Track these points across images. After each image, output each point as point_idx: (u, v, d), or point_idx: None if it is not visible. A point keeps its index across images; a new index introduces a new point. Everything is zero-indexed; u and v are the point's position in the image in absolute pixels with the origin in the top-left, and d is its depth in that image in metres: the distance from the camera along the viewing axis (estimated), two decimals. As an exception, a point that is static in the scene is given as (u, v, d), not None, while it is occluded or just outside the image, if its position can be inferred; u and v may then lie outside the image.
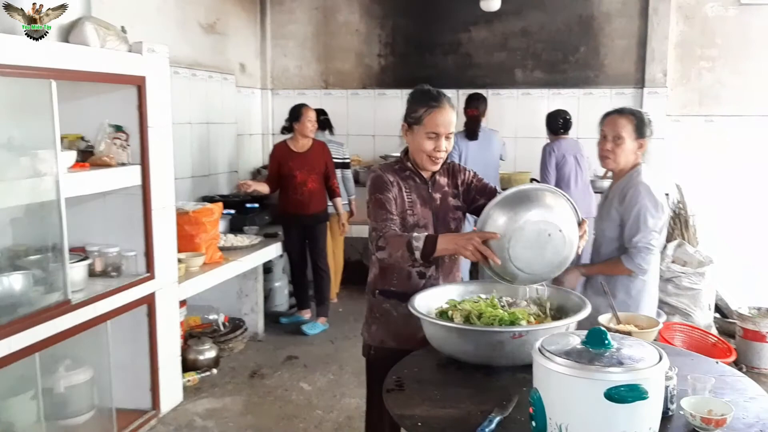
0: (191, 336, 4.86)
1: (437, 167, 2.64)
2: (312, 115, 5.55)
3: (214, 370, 4.70)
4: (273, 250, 5.47)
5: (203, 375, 4.61)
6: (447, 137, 2.59)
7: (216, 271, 4.66)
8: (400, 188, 2.62)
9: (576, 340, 1.72)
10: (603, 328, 1.71)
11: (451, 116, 2.58)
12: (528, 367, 2.06)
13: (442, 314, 2.34)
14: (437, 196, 2.66)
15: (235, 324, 5.28)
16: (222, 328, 5.14)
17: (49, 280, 3.34)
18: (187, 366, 4.56)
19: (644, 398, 1.56)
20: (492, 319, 2.22)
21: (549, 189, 2.42)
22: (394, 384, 2.12)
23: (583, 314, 2.22)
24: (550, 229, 2.29)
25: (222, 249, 4.93)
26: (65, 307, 3.29)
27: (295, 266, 5.80)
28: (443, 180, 2.70)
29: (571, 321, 2.18)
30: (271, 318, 5.84)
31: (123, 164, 3.73)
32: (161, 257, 3.98)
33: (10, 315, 3.04)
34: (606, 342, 1.66)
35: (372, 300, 2.72)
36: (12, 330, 2.98)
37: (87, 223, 3.82)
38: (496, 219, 2.32)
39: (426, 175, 2.66)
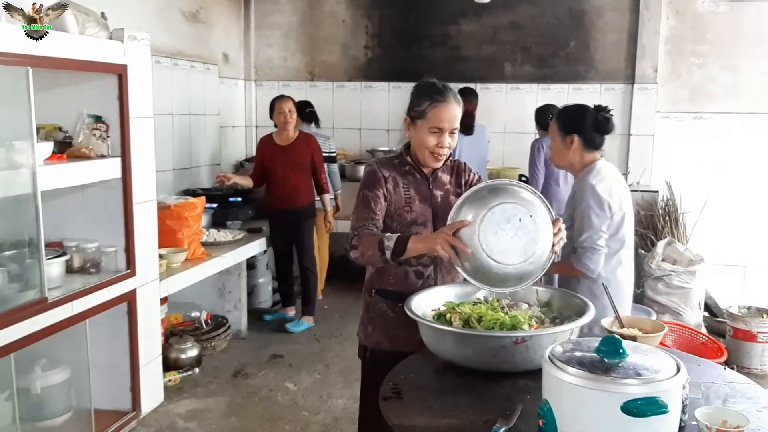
0: (172, 334, 4.72)
1: (439, 164, 2.54)
2: (285, 107, 5.38)
3: (197, 370, 4.56)
4: (257, 246, 5.33)
5: (185, 374, 4.47)
6: (451, 133, 2.48)
7: (198, 267, 4.52)
8: (397, 183, 2.52)
9: (588, 348, 1.63)
10: (617, 336, 1.62)
11: (456, 111, 2.47)
12: (530, 374, 1.98)
13: (440, 317, 2.23)
14: (438, 193, 2.56)
15: (218, 322, 5.14)
16: (204, 326, 5.00)
17: (24, 277, 3.20)
18: (169, 365, 4.42)
19: (664, 412, 1.46)
20: (492, 322, 2.12)
21: (519, 184, 2.30)
22: (391, 391, 2.01)
23: (587, 318, 2.13)
24: (520, 213, 2.17)
25: (204, 244, 4.79)
26: (42, 305, 3.15)
27: (280, 262, 5.67)
28: (445, 177, 2.60)
29: (575, 325, 2.08)
30: (255, 315, 5.69)
31: (103, 156, 3.58)
32: (142, 253, 3.84)
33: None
34: (621, 351, 1.57)
35: (368, 299, 2.63)
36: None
37: (65, 218, 3.67)
38: (466, 212, 2.22)
39: (427, 171, 2.56)
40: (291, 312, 5.73)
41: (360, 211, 2.50)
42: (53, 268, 3.34)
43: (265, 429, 3.89)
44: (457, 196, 2.57)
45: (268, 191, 5.52)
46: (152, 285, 3.98)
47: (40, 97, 3.10)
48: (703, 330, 5.14)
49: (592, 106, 3.12)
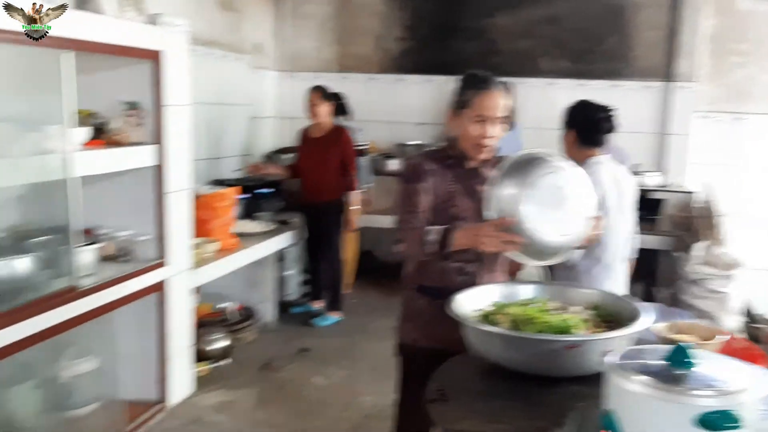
0: (202, 325, 4.67)
1: (485, 155, 2.46)
2: (313, 98, 5.31)
3: (226, 361, 4.51)
4: (287, 238, 5.27)
5: (214, 366, 4.42)
6: (496, 122, 2.41)
7: (230, 258, 4.47)
8: (440, 177, 2.45)
9: (652, 356, 1.54)
10: (686, 343, 1.52)
11: (500, 100, 2.41)
12: (581, 379, 1.89)
13: (486, 317, 2.14)
14: (483, 189, 2.47)
15: (247, 313, 5.08)
16: (234, 317, 4.94)
17: (56, 265, 3.15)
18: (198, 356, 4.36)
19: (739, 427, 1.37)
20: (544, 326, 2.02)
21: (547, 151, 2.28)
22: (437, 393, 1.93)
23: (644, 323, 2.03)
24: (559, 181, 2.19)
25: (235, 235, 4.73)
26: (73, 293, 3.11)
27: (310, 255, 5.61)
28: (490, 173, 2.52)
29: (631, 331, 1.99)
30: (282, 307, 5.64)
31: (137, 143, 3.53)
32: (175, 243, 3.79)
33: (13, 301, 2.85)
34: (690, 360, 1.48)
35: (407, 295, 2.56)
36: (16, 317, 2.80)
37: (98, 205, 3.62)
38: (506, 186, 2.20)
39: (472, 165, 2.47)
40: (318, 305, 5.65)
41: (403, 205, 2.45)
42: (85, 256, 3.29)
43: (295, 424, 3.83)
44: None
45: (300, 183, 5.46)
46: (184, 275, 3.93)
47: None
48: (742, 335, 5.00)
49: (599, 104, 3.17)
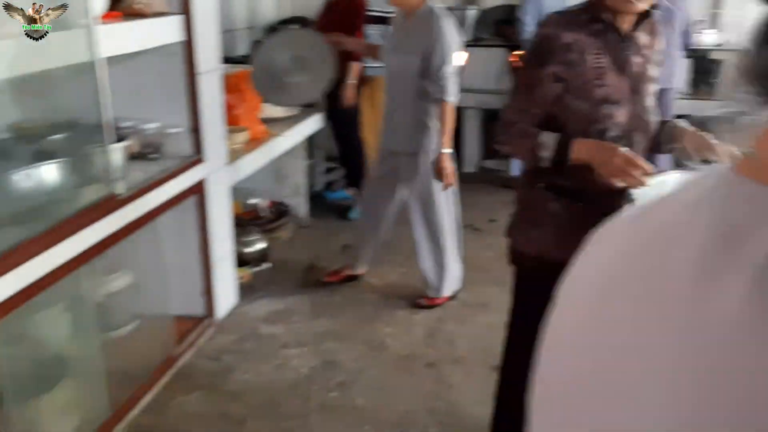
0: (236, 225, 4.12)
1: (638, 6, 1.85)
2: None
3: (266, 265, 4.01)
4: (314, 122, 4.61)
5: (255, 271, 3.93)
6: None
7: (263, 148, 3.87)
8: (584, 50, 1.88)
9: None
10: None
11: None
12: None
13: None
14: (636, 60, 1.94)
15: (280, 209, 4.54)
16: (267, 214, 4.40)
17: (88, 169, 2.57)
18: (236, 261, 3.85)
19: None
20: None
21: None
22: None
23: None
24: None
25: (262, 122, 4.11)
26: (113, 203, 2.55)
27: (337, 138, 4.97)
28: (644, 38, 1.97)
29: None
30: (312, 200, 5.01)
31: (161, 14, 2.87)
32: (210, 134, 3.20)
33: (45, 218, 2.29)
34: None
35: (531, 195, 2.06)
36: (53, 238, 2.24)
37: (115, 94, 2.98)
38: None
39: (625, 27, 1.92)
40: (352, 192, 5.00)
41: (517, 96, 1.98)
42: (115, 156, 2.70)
43: (365, 333, 3.40)
44: (659, 65, 2.00)
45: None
46: (222, 172, 3.37)
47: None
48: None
49: None
